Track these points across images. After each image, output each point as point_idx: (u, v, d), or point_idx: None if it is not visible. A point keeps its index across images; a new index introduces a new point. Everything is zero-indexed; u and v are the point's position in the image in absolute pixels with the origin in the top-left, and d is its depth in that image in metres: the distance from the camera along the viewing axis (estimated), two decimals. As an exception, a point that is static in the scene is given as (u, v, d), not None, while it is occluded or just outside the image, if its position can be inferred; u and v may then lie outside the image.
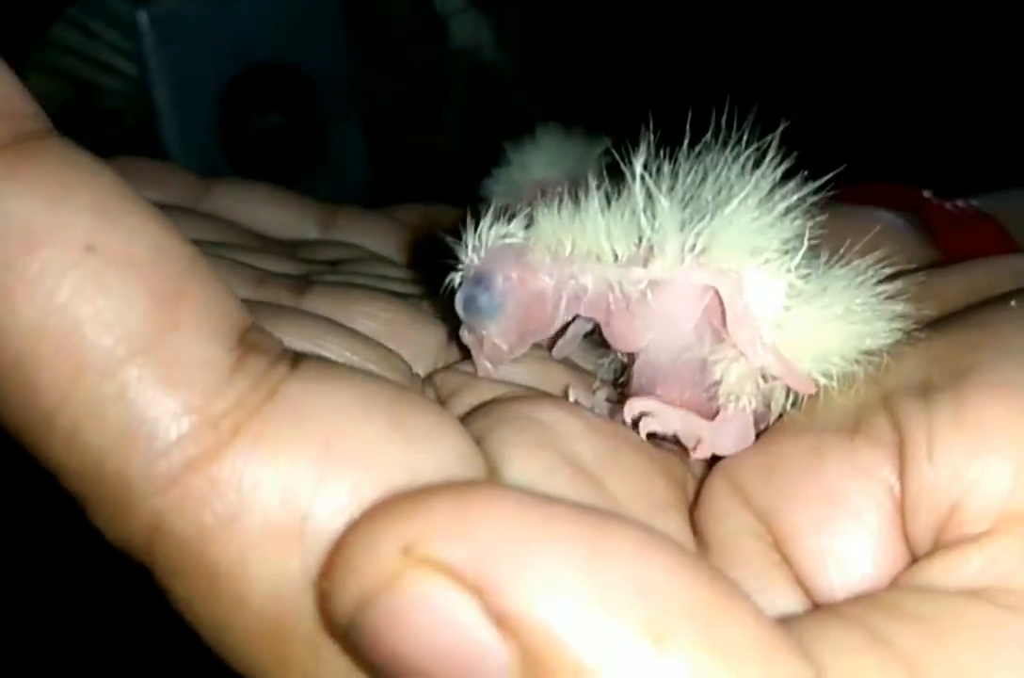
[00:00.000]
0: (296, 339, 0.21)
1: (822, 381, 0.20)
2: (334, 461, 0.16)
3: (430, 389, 0.23)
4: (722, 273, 0.21)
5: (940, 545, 0.17)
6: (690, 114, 0.22)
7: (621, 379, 0.24)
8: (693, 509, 0.20)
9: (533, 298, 0.23)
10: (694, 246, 0.21)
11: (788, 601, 0.18)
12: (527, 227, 0.23)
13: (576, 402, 0.23)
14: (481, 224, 0.23)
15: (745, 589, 0.15)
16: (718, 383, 0.21)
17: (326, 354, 0.22)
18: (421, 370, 0.26)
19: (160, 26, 0.71)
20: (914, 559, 0.18)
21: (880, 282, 0.21)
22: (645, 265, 0.21)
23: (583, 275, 0.22)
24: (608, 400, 0.24)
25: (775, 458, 0.20)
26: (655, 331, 0.22)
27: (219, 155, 0.75)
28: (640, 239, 0.21)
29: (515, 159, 0.38)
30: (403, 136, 0.82)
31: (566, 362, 0.26)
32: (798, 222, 0.21)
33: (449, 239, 0.24)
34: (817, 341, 0.20)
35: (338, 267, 0.36)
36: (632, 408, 0.22)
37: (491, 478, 0.18)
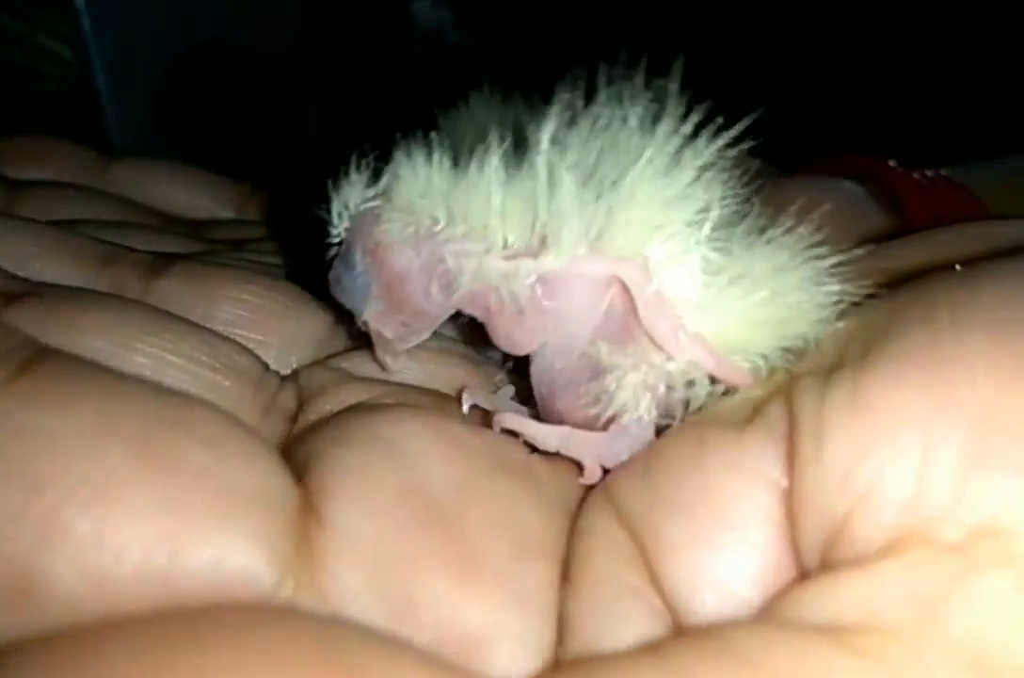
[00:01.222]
0: (94, 338, 0.18)
1: (748, 375, 0.17)
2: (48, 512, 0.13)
3: (289, 390, 0.20)
4: (622, 258, 0.17)
5: (824, 565, 0.14)
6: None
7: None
8: (572, 532, 0.17)
9: (395, 280, 0.19)
10: (593, 228, 0.17)
11: (655, 630, 0.15)
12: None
13: (470, 406, 0.19)
14: (348, 181, 0.19)
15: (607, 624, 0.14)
16: (611, 393, 0.17)
17: (136, 357, 0.18)
18: (295, 362, 0.22)
19: (98, 6, 0.67)
20: (803, 574, 0.14)
21: (818, 257, 0.17)
22: (536, 256, 0.17)
23: (457, 261, 0.18)
24: (516, 397, 0.21)
25: (654, 459, 0.16)
26: (549, 333, 0.18)
27: (163, 144, 0.71)
28: (535, 222, 0.17)
29: (444, 126, 0.35)
30: (361, 124, 0.78)
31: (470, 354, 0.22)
32: (715, 187, 0.17)
33: (320, 205, 0.19)
34: (743, 328, 0.17)
35: (244, 246, 0.32)
36: (500, 424, 0.18)
37: (309, 516, 0.15)
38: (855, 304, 0.17)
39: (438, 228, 0.18)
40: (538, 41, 0.82)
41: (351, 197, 0.19)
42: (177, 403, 0.15)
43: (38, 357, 0.15)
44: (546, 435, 0.18)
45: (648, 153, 0.17)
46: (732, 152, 0.18)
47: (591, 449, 0.17)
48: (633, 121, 0.17)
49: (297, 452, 0.17)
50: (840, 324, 0.17)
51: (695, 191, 0.17)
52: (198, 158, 0.78)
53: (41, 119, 0.69)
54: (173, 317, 0.20)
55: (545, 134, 0.17)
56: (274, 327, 0.22)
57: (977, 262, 0.16)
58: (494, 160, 0.17)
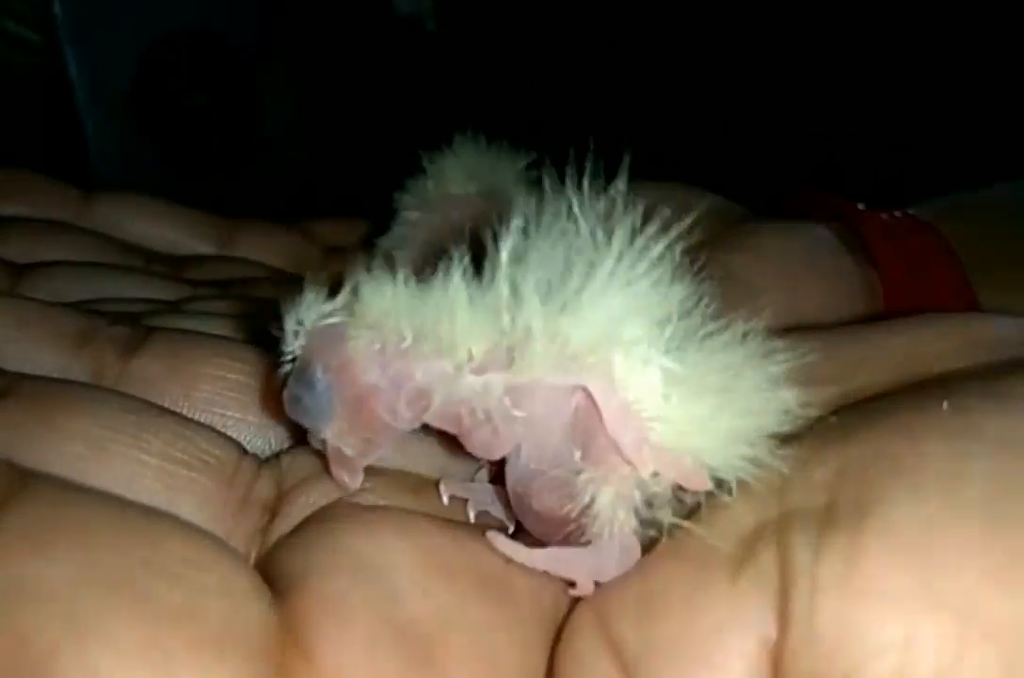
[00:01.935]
0: (71, 442, 0.19)
1: (711, 484, 0.17)
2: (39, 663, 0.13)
3: (268, 478, 0.20)
4: (586, 370, 0.17)
5: None
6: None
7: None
8: (555, 648, 0.17)
9: (361, 397, 0.19)
10: (557, 341, 0.17)
11: None
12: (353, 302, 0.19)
13: (449, 496, 0.20)
14: (304, 298, 0.19)
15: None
16: (589, 506, 0.17)
17: (111, 460, 0.19)
18: (274, 439, 0.23)
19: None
20: None
21: (776, 359, 0.18)
22: (504, 369, 0.18)
23: (427, 379, 0.18)
24: (493, 482, 0.21)
25: (651, 588, 0.17)
26: (519, 438, 0.18)
27: (139, 137, 0.70)
28: (500, 338, 0.18)
29: (430, 170, 0.35)
30: (342, 114, 0.77)
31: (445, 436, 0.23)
32: (672, 290, 0.18)
33: (273, 321, 0.19)
34: (703, 437, 0.17)
35: (228, 289, 0.33)
36: (491, 543, 0.18)
37: (292, 650, 0.15)
38: (822, 414, 0.17)
39: (405, 345, 0.18)
40: (517, 30, 0.81)
41: (306, 314, 0.19)
42: (152, 534, 0.16)
43: (14, 492, 0.15)
44: (535, 561, 0.18)
45: (605, 265, 0.17)
46: (686, 242, 0.18)
47: (580, 566, 0.18)
48: (587, 231, 0.18)
49: (277, 567, 0.18)
50: (824, 438, 0.17)
51: (652, 300, 0.17)
52: (171, 148, 0.78)
53: (8, 109, 0.68)
54: (148, 409, 0.20)
55: (505, 250, 0.18)
56: (253, 403, 0.22)
57: (968, 405, 0.16)
58: (457, 277, 0.18)
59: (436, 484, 0.20)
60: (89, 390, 0.21)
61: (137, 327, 0.24)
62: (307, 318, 0.19)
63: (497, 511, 0.20)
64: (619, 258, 0.17)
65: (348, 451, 0.19)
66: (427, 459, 0.21)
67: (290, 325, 0.19)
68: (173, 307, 0.29)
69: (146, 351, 0.23)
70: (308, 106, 0.76)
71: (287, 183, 0.76)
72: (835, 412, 0.18)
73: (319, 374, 0.19)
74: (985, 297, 0.37)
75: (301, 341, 0.19)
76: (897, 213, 0.40)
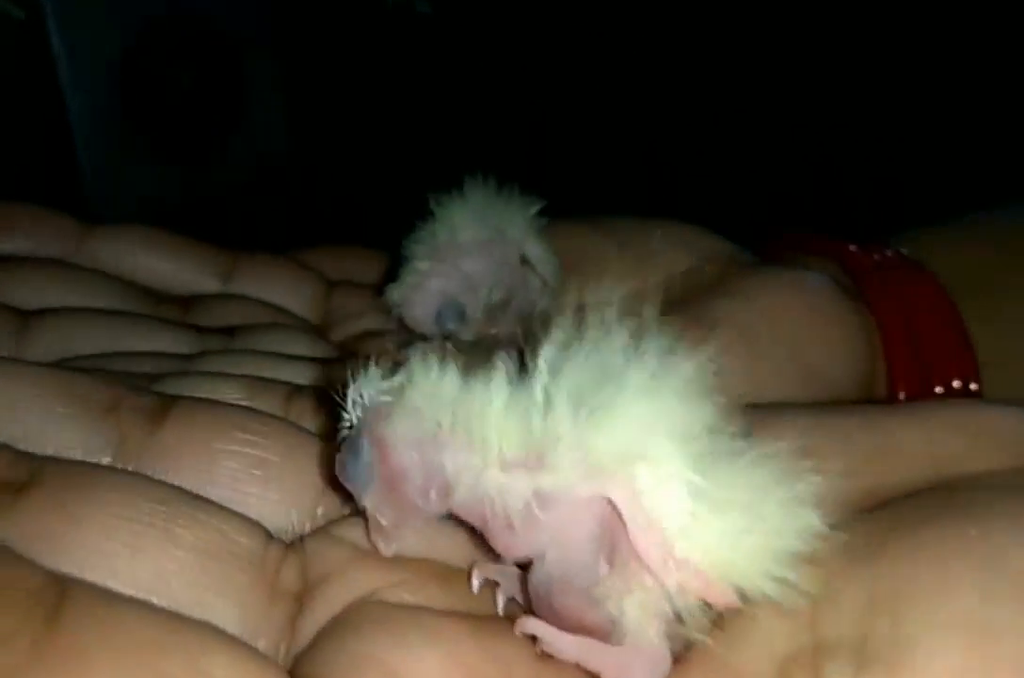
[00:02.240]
0: (101, 538, 0.19)
1: (738, 599, 0.18)
2: None
3: (295, 568, 0.20)
4: (613, 479, 0.18)
5: None
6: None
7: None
8: None
9: (396, 477, 0.20)
10: (585, 449, 0.18)
11: None
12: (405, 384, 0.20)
13: (481, 582, 0.20)
14: (367, 373, 0.20)
15: None
16: (618, 618, 0.18)
17: (142, 560, 0.19)
18: (296, 517, 0.23)
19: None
20: None
21: (800, 477, 0.18)
22: (531, 472, 0.18)
23: (455, 469, 0.19)
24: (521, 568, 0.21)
25: None
26: (543, 544, 0.19)
27: (125, 121, 0.69)
28: (531, 441, 0.18)
29: (440, 216, 0.35)
30: (330, 97, 0.76)
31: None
32: (699, 405, 0.18)
33: (338, 389, 0.21)
34: (728, 554, 0.18)
35: (236, 337, 0.33)
36: (522, 628, 0.19)
37: None
38: (846, 523, 0.18)
39: (441, 434, 0.19)
40: (510, 11, 0.80)
41: (366, 388, 0.20)
42: (194, 652, 0.16)
43: (59, 605, 0.16)
44: (567, 645, 0.19)
45: (636, 380, 0.18)
46: (714, 364, 0.18)
47: (611, 662, 0.18)
48: (618, 346, 0.18)
49: (307, 674, 0.18)
50: (850, 554, 0.17)
51: (681, 415, 0.18)
52: (156, 130, 0.76)
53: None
54: (177, 499, 0.20)
55: (543, 363, 0.18)
56: (274, 479, 0.22)
57: (992, 530, 0.17)
58: (499, 379, 0.18)
59: (468, 570, 0.20)
60: (116, 478, 0.21)
61: (158, 397, 0.23)
62: (365, 393, 0.20)
63: (525, 599, 0.21)
64: (649, 374, 0.18)
65: (384, 521, 0.20)
66: (457, 546, 0.21)
67: (352, 395, 0.20)
68: (186, 364, 0.29)
69: (168, 424, 0.23)
70: (296, 89, 0.75)
71: (272, 167, 0.75)
72: (858, 517, 0.19)
73: (365, 446, 0.20)
74: (975, 329, 0.37)
75: (358, 412, 0.20)
76: (888, 252, 0.40)
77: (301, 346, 0.33)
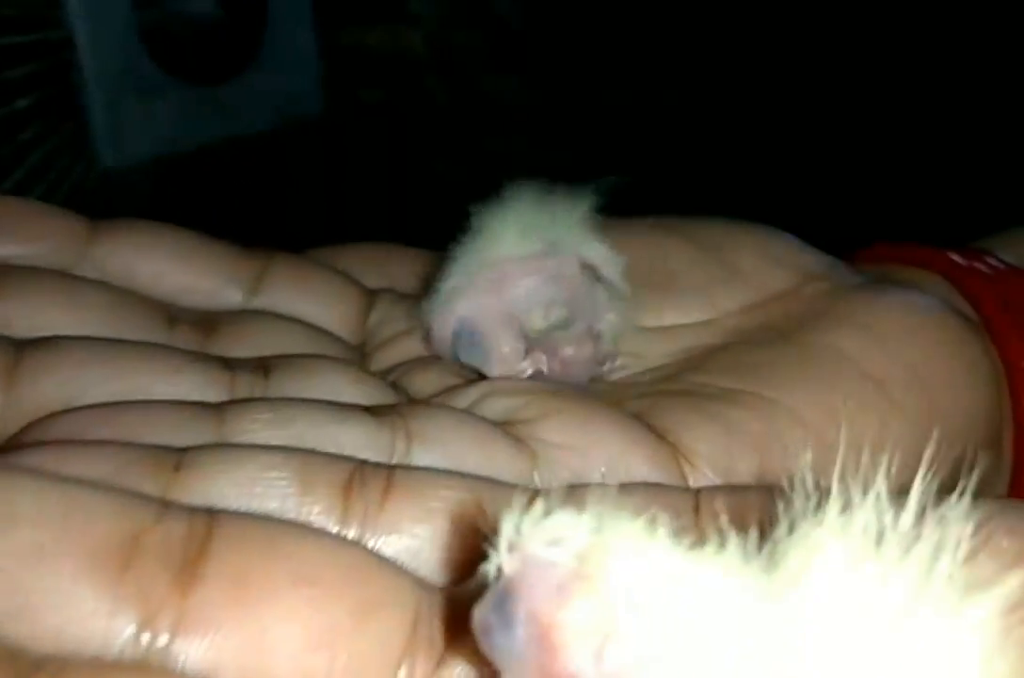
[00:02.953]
0: None
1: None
2: None
3: None
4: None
5: None
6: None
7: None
8: None
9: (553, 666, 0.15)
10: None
11: None
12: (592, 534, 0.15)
13: None
14: (532, 510, 0.15)
15: None
16: None
17: None
18: None
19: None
20: None
21: None
22: None
23: None
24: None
25: None
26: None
27: (139, 49, 0.62)
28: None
29: (483, 229, 0.30)
30: (361, 28, 0.69)
31: None
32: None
33: (488, 520, 0.15)
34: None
35: (271, 376, 0.28)
36: None
37: None
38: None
39: (636, 647, 0.14)
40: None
41: (530, 532, 0.15)
42: None
43: None
44: None
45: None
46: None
47: None
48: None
49: None
50: None
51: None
52: (173, 57, 0.69)
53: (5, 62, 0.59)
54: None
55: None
56: (339, 653, 0.18)
57: None
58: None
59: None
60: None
61: (192, 522, 0.18)
62: (528, 536, 0.14)
63: None
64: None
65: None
66: None
67: (507, 534, 0.15)
68: (218, 425, 0.24)
69: (209, 577, 0.18)
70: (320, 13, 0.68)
71: (294, 94, 0.69)
72: None
73: (521, 617, 0.15)
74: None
75: (514, 562, 0.15)
76: (993, 261, 0.36)
77: (350, 387, 0.28)
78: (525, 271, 0.30)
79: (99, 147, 0.61)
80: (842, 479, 0.15)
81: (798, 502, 0.15)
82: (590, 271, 0.31)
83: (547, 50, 0.79)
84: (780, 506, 0.16)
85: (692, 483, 0.26)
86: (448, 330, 0.30)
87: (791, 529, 0.15)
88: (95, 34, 0.60)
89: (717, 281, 0.33)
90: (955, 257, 0.36)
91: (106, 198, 0.62)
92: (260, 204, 0.70)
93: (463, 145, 0.73)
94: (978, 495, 0.29)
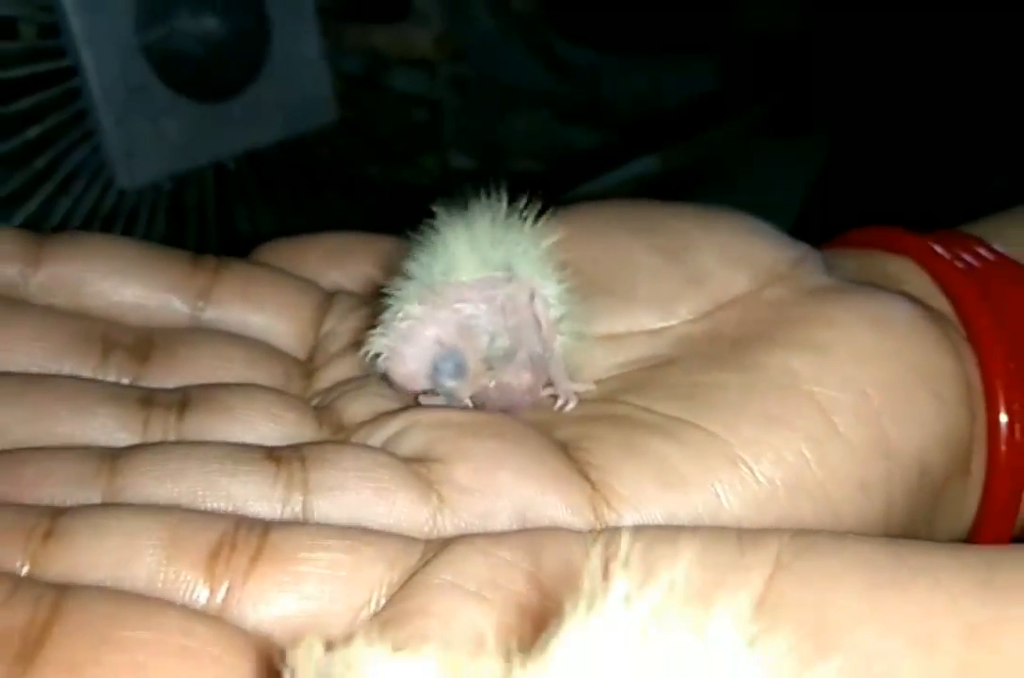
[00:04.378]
0: None
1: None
2: None
3: None
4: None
5: None
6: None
7: None
8: None
9: None
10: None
11: None
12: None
13: None
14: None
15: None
16: None
17: None
18: None
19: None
20: None
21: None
22: None
23: None
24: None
25: None
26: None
27: (145, 70, 0.63)
28: None
29: (438, 247, 0.29)
30: (366, 31, 0.69)
31: None
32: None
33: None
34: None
35: (187, 412, 0.28)
36: None
37: None
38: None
39: None
40: None
41: None
42: None
43: None
44: None
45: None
46: None
47: None
48: None
49: None
50: None
51: None
52: (177, 74, 0.70)
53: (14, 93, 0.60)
54: None
55: None
56: None
57: None
58: None
59: None
60: None
61: (37, 610, 0.18)
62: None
63: None
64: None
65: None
66: None
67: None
68: (111, 476, 0.24)
69: (44, 666, 0.16)
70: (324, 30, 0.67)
71: (297, 108, 0.68)
72: None
73: None
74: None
75: None
76: (981, 250, 0.34)
77: (266, 425, 0.27)
78: (480, 296, 0.29)
79: (114, 169, 0.62)
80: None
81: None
82: (540, 299, 0.30)
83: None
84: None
85: (609, 523, 0.25)
86: (426, 358, 0.29)
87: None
88: (100, 59, 0.60)
89: (674, 285, 0.32)
90: (938, 248, 0.33)
91: (126, 219, 0.63)
92: (280, 213, 0.70)
93: (477, 136, 0.72)
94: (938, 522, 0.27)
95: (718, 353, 0.29)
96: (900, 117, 0.65)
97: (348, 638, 0.15)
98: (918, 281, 0.32)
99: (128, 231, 0.63)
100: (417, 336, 0.28)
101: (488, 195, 0.30)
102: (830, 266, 0.32)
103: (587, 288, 0.31)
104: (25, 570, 0.20)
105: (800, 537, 0.20)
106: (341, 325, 0.33)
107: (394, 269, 0.31)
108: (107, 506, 0.23)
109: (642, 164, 0.87)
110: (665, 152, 0.87)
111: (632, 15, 0.84)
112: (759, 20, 0.85)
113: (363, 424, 0.28)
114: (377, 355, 0.28)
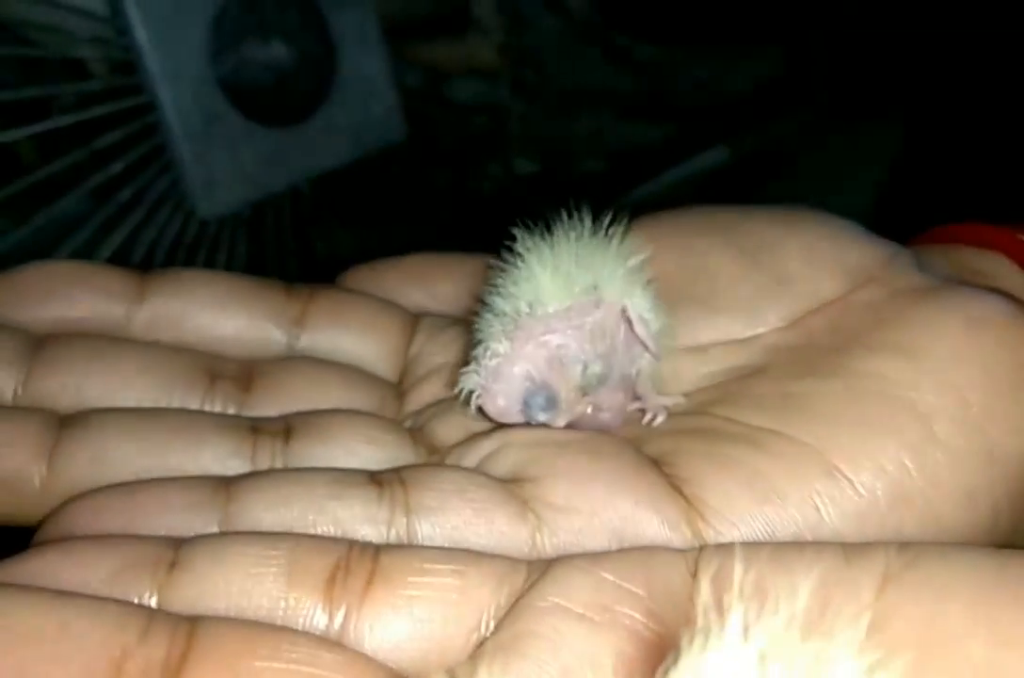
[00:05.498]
0: None
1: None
2: None
3: None
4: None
5: None
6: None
7: None
8: None
9: None
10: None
11: None
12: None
13: None
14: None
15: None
16: None
17: None
18: None
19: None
20: None
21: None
22: None
23: None
24: None
25: None
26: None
27: (220, 100, 0.64)
28: None
29: (521, 277, 0.29)
30: (430, 47, 0.69)
31: None
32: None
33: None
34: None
35: (292, 440, 0.28)
36: None
37: None
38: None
39: None
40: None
41: None
42: None
43: None
44: None
45: None
46: None
47: None
48: None
49: None
50: None
51: None
52: (249, 101, 0.71)
53: (69, 91, 0.62)
54: None
55: None
56: None
57: None
58: None
59: None
60: None
61: (173, 644, 0.19)
62: None
63: None
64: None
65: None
66: None
67: None
68: (227, 504, 0.24)
69: None
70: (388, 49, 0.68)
71: (367, 127, 0.69)
72: None
73: None
74: None
75: None
76: None
77: (365, 449, 0.28)
78: (568, 325, 0.29)
79: (195, 200, 0.64)
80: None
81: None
82: (639, 321, 0.29)
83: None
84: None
85: (707, 539, 0.25)
86: (517, 394, 0.29)
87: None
88: (176, 93, 0.62)
89: (760, 292, 0.31)
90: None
91: (208, 248, 0.65)
92: (355, 231, 0.71)
93: (540, 140, 0.72)
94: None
95: (809, 360, 0.29)
96: (978, 101, 0.63)
97: (470, 669, 0.16)
98: (1012, 277, 0.31)
99: (211, 259, 0.64)
100: (506, 373, 0.28)
101: (562, 206, 0.30)
102: (920, 264, 0.32)
103: (670, 298, 0.30)
104: (154, 601, 0.21)
105: (906, 550, 0.19)
106: (428, 347, 0.34)
107: (478, 291, 0.31)
108: (225, 535, 0.23)
109: (711, 156, 0.86)
110: (733, 143, 0.86)
111: (692, 6, 0.84)
112: (825, 4, 0.83)
113: (456, 445, 0.29)
114: (471, 392, 0.28)
